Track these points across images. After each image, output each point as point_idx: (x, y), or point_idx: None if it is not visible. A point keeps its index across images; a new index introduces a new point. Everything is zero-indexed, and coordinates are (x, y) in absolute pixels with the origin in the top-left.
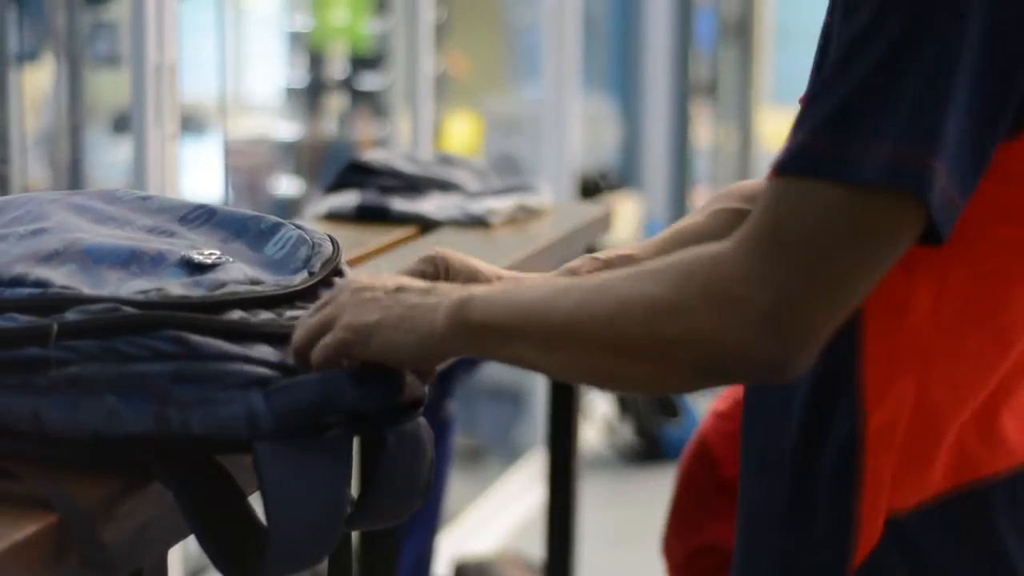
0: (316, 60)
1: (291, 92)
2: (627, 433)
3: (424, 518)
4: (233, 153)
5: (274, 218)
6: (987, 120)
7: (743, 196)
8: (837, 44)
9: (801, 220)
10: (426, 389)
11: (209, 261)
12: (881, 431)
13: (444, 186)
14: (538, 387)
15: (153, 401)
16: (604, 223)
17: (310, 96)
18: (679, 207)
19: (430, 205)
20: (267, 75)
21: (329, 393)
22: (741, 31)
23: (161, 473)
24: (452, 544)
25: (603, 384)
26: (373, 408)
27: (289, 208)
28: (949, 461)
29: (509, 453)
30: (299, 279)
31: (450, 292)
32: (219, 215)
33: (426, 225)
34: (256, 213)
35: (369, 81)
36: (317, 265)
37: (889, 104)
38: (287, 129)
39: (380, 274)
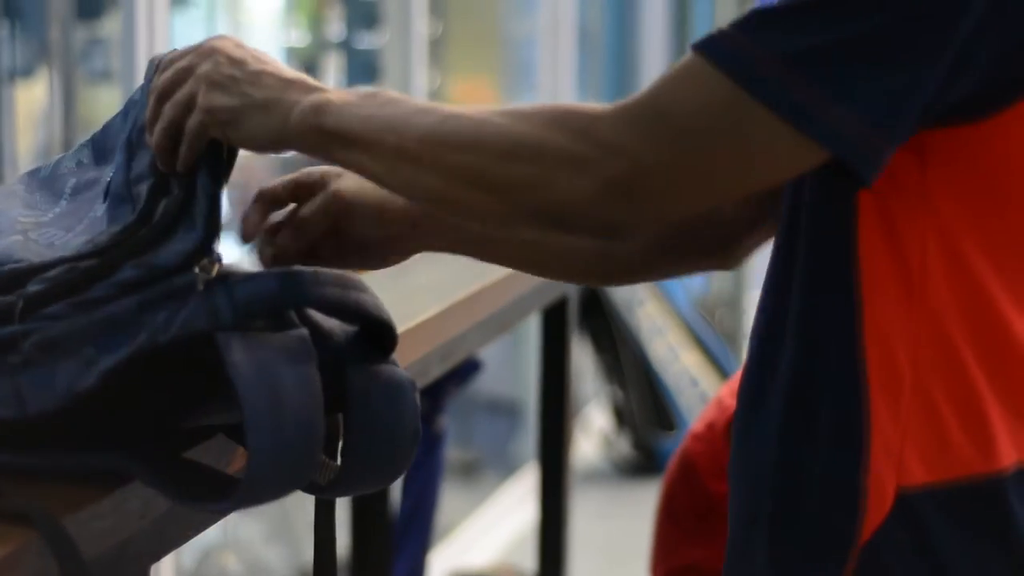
0: (311, 74)
1: None
2: (624, 446)
3: (417, 533)
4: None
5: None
6: (920, 78)
7: None
8: None
9: (689, 100)
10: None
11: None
12: (885, 385)
13: None
14: (534, 401)
15: (125, 335)
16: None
17: None
18: None
19: None
20: None
21: (289, 284)
22: None
23: (139, 471)
24: (447, 558)
25: (435, 206)
26: (335, 304)
27: None
28: (968, 447)
29: (505, 467)
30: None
31: (308, 92)
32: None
33: None
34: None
35: None
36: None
37: (819, 42)
38: None
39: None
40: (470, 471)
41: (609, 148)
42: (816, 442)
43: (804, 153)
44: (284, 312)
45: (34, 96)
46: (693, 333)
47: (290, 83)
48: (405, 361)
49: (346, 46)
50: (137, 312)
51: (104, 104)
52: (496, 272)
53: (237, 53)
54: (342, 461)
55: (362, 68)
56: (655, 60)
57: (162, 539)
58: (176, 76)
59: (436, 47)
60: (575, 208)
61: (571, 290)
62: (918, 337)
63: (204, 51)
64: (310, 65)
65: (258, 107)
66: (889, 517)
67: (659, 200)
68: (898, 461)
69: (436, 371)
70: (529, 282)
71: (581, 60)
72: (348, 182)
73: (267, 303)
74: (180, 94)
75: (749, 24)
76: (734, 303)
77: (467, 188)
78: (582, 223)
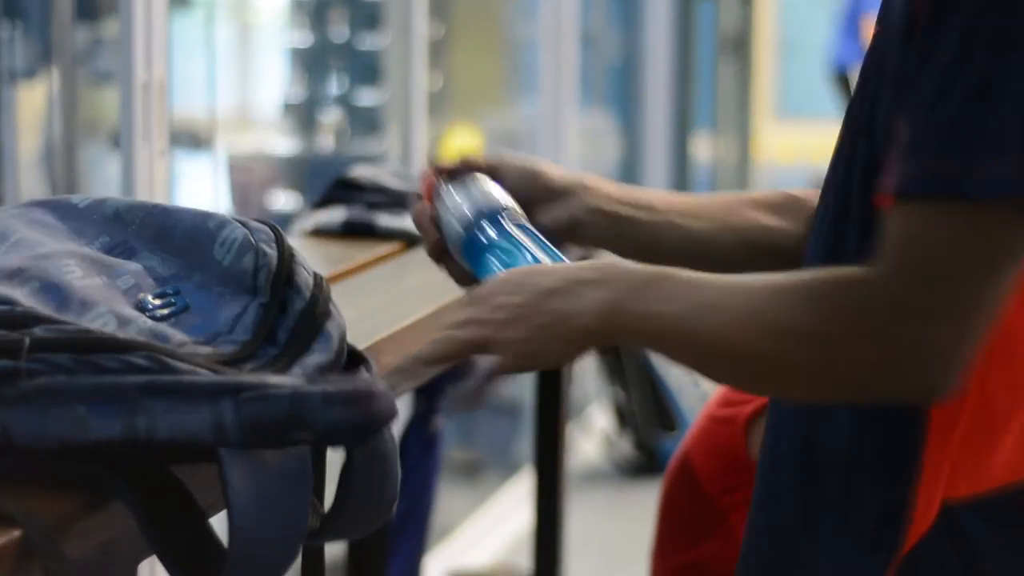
0: (315, 76)
1: (289, 108)
2: (625, 447)
3: (412, 534)
4: (235, 169)
5: (219, 215)
6: None
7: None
8: (918, 64)
9: (938, 244)
10: (408, 403)
11: (160, 314)
12: (943, 419)
13: None
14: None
15: (122, 410)
16: None
17: (307, 111)
18: None
19: None
20: (269, 90)
21: (298, 409)
22: (740, 45)
23: (121, 489)
24: (447, 558)
25: (748, 390)
26: (342, 427)
27: (285, 224)
28: (1008, 457)
29: (507, 467)
30: (241, 343)
31: (591, 289)
32: (170, 217)
33: (412, 241)
34: (203, 210)
35: (366, 96)
36: (265, 286)
37: (997, 119)
38: (285, 144)
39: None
40: (472, 471)
41: (900, 316)
42: (874, 458)
43: None
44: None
45: (36, 97)
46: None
47: (572, 288)
48: (397, 362)
49: (348, 47)
50: (139, 393)
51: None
52: None
53: (511, 297)
54: (326, 518)
55: (364, 69)
56: (659, 64)
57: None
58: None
59: (438, 49)
60: (887, 381)
61: None
62: (989, 358)
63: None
64: (313, 65)
65: (550, 336)
66: (933, 528)
67: (958, 347)
68: (949, 476)
69: (430, 372)
70: None
71: (584, 63)
72: (591, 202)
73: (274, 427)
74: (470, 335)
75: (931, 145)
76: None
77: (781, 383)
78: (897, 393)
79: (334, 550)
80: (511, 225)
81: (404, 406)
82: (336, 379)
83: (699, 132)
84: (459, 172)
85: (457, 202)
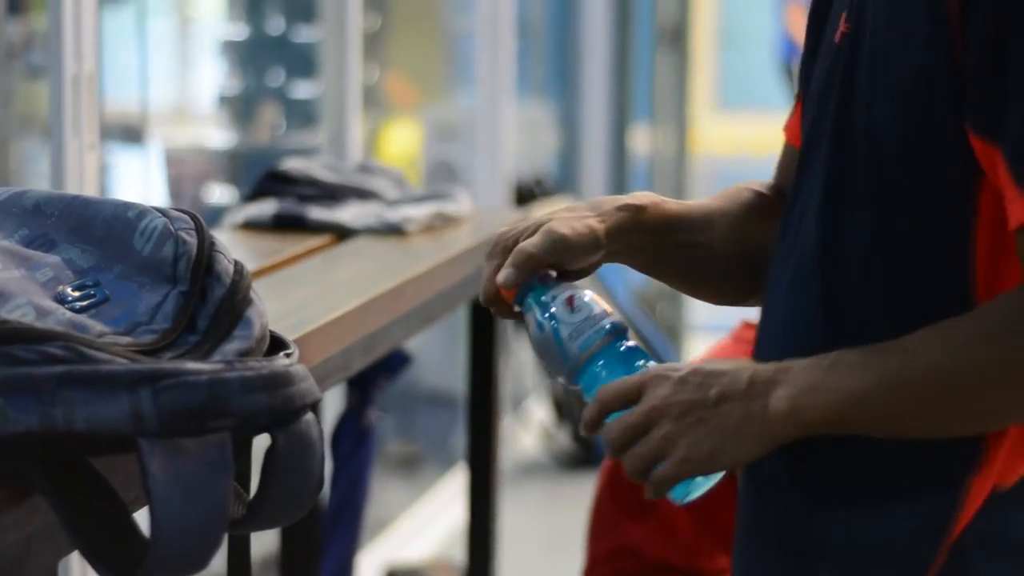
0: (250, 69)
1: (224, 101)
2: (564, 439)
3: (346, 527)
4: (171, 162)
5: (139, 204)
6: None
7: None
8: (994, 76)
9: None
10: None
11: (79, 306)
12: None
13: (363, 194)
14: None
15: (40, 401)
16: None
17: (243, 104)
18: None
19: (347, 214)
20: (207, 84)
21: (216, 397)
22: (677, 36)
23: (40, 483)
24: (386, 551)
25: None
26: (262, 412)
27: (218, 217)
28: None
29: (445, 460)
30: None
31: (767, 387)
32: (90, 208)
33: (342, 234)
34: (123, 201)
35: (302, 89)
36: (185, 275)
37: None
38: (221, 138)
39: (685, 372)
40: (410, 464)
41: None
42: (937, 447)
43: None
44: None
45: None
46: (633, 326)
47: (748, 393)
48: (326, 354)
49: (284, 40)
50: (57, 384)
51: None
52: (419, 265)
53: (687, 397)
54: (252, 505)
55: (300, 62)
56: (596, 55)
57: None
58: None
59: (374, 41)
60: None
61: None
62: None
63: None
64: (248, 58)
65: (733, 433)
66: (978, 515)
67: None
68: (1001, 467)
69: (359, 364)
70: (454, 275)
71: (521, 54)
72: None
73: (193, 414)
74: (655, 439)
75: None
76: (674, 296)
77: (989, 421)
78: None
79: (268, 545)
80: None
81: (337, 399)
82: (255, 364)
83: (637, 123)
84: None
85: (578, 327)
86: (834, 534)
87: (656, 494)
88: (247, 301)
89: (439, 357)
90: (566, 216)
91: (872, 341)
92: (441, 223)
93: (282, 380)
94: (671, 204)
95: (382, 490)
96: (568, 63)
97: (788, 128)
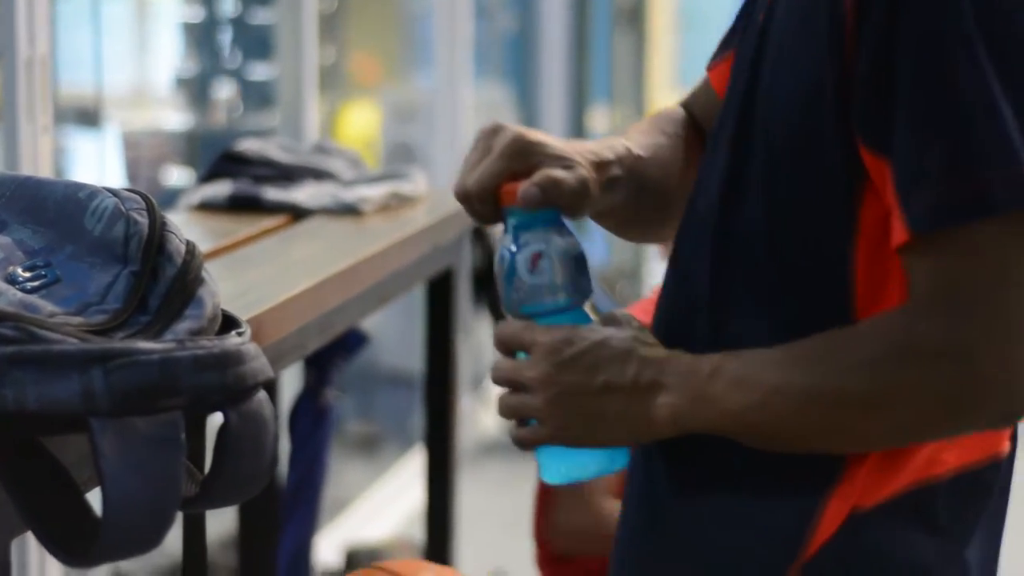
0: (207, 51)
1: (182, 83)
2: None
3: (304, 508)
4: (129, 145)
5: (90, 185)
6: None
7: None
8: (878, 87)
9: (979, 267)
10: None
11: (30, 286)
12: None
13: (318, 175)
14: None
15: None
16: None
17: (200, 86)
18: None
19: (303, 194)
20: (164, 66)
21: (168, 375)
22: (635, 17)
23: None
24: (347, 531)
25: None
26: (213, 390)
27: (175, 199)
28: (917, 463)
29: (405, 440)
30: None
31: (650, 391)
32: (41, 189)
33: (298, 214)
34: (75, 181)
35: (259, 71)
36: (136, 255)
37: (987, 138)
38: (178, 120)
39: (581, 348)
40: (370, 444)
41: (955, 356)
42: (795, 462)
43: None
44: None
45: None
46: (593, 305)
47: (631, 390)
48: (282, 333)
49: (240, 21)
50: (7, 364)
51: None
52: (374, 245)
53: (570, 377)
54: (205, 484)
55: (256, 44)
56: (555, 34)
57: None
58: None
59: (331, 22)
60: (971, 422)
61: (458, 261)
62: None
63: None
64: (205, 40)
65: (608, 425)
66: (837, 533)
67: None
68: (862, 487)
69: (315, 343)
70: (410, 254)
71: (480, 35)
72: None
73: (144, 393)
74: (528, 403)
75: (930, 175)
76: (634, 275)
77: (859, 444)
78: (980, 427)
79: (226, 525)
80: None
81: (295, 379)
82: (207, 343)
83: (596, 104)
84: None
85: (555, 278)
86: (696, 538)
87: (519, 446)
88: (199, 280)
89: (398, 337)
90: (581, 165)
91: (755, 345)
92: (397, 203)
93: (234, 359)
94: (642, 162)
95: (342, 470)
96: (526, 44)
97: (713, 70)
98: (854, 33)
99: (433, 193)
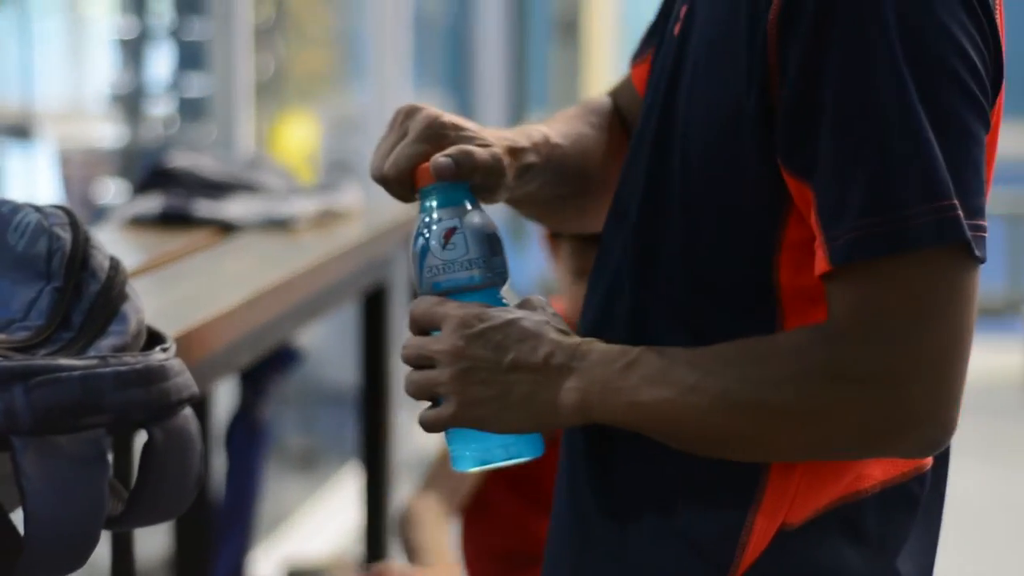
0: (142, 65)
1: (117, 98)
2: None
3: (239, 524)
4: (65, 161)
5: (12, 200)
6: (970, 143)
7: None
8: (798, 113)
9: (893, 301)
10: (234, 392)
11: None
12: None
13: (251, 188)
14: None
15: None
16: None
17: (135, 101)
18: None
19: (235, 208)
20: (99, 81)
21: (90, 393)
22: (572, 28)
23: None
24: (286, 547)
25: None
26: (136, 407)
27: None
28: (845, 479)
29: (346, 455)
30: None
31: (561, 380)
32: None
33: (230, 228)
34: None
35: (195, 85)
36: (59, 270)
37: (910, 170)
38: (114, 134)
39: (492, 324)
40: (310, 460)
41: (878, 384)
42: (720, 479)
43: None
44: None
45: None
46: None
47: (540, 371)
48: (211, 349)
49: (175, 35)
50: None
51: None
52: (306, 259)
53: (478, 352)
54: (130, 502)
55: (191, 58)
56: (492, 45)
57: None
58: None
59: (268, 36)
60: (891, 449)
61: (393, 276)
62: None
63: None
64: (140, 54)
65: (514, 405)
66: (768, 550)
67: (944, 396)
68: (790, 503)
69: (246, 359)
70: (343, 269)
71: (418, 46)
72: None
73: (66, 411)
74: (434, 379)
75: (850, 207)
76: None
77: (770, 454)
78: (904, 454)
79: (161, 543)
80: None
81: (230, 395)
82: (130, 359)
83: (534, 112)
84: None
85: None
86: (623, 553)
87: (424, 429)
88: (123, 296)
89: (338, 352)
90: (496, 147)
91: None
92: (330, 217)
93: (157, 375)
94: (561, 150)
95: (281, 486)
96: (464, 55)
97: (635, 68)
98: (776, 56)
99: (368, 207)
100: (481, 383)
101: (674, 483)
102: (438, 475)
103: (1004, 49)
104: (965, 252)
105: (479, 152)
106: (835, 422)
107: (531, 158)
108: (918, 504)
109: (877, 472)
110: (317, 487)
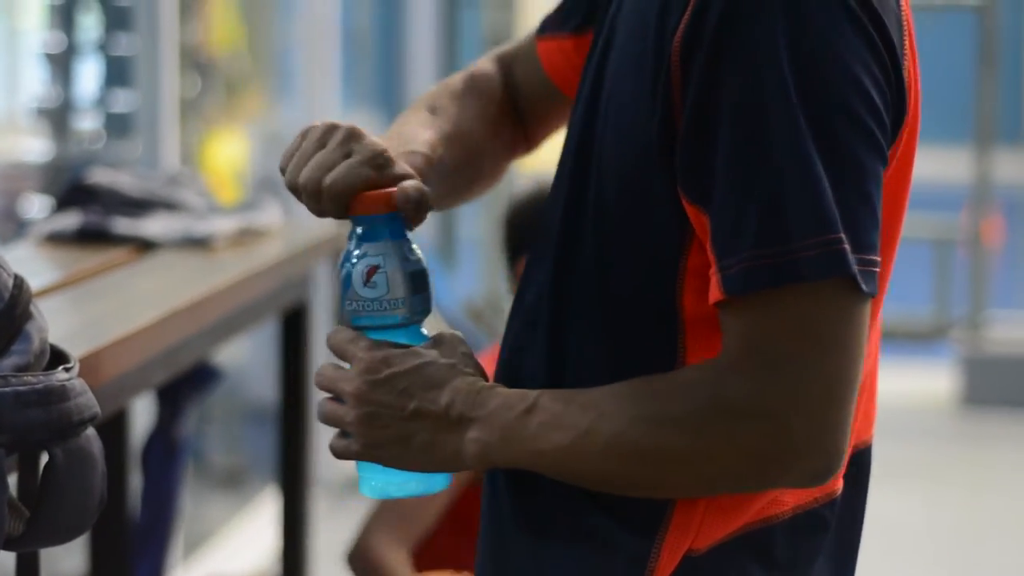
0: (70, 80)
1: (44, 112)
2: None
3: (156, 543)
4: None
5: None
6: (863, 178)
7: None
8: (698, 142)
9: (780, 332)
10: (151, 410)
11: None
12: None
13: (170, 206)
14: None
15: None
16: (333, 243)
17: (62, 116)
18: (445, 225)
19: (154, 226)
20: (25, 95)
21: None
22: (505, 42)
23: None
24: (209, 566)
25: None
26: (36, 428)
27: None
28: (756, 505)
29: (269, 473)
30: None
31: (460, 424)
32: None
33: (148, 246)
34: None
35: (122, 100)
36: None
37: (798, 204)
38: (39, 149)
39: (398, 370)
40: (234, 478)
41: (769, 421)
42: (629, 506)
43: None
44: None
45: None
46: (446, 320)
47: (442, 420)
48: (124, 367)
49: (103, 50)
50: None
51: None
52: (223, 278)
53: (379, 396)
54: (31, 522)
55: (119, 73)
56: (423, 63)
57: None
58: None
59: (197, 54)
60: (779, 481)
61: (312, 295)
62: None
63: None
64: (68, 69)
65: (416, 451)
66: (675, 573)
67: (831, 428)
68: (696, 530)
69: (159, 377)
70: (261, 287)
71: (347, 63)
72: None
73: None
74: (341, 415)
75: (742, 239)
76: (502, 307)
77: (668, 492)
78: (792, 484)
79: (76, 562)
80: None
81: (147, 413)
82: (31, 379)
83: None
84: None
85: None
86: (536, 574)
87: (334, 455)
88: (26, 315)
89: (263, 370)
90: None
91: (589, 370)
92: (250, 236)
93: (58, 395)
94: (441, 162)
95: (205, 504)
96: (394, 72)
97: (545, 42)
98: (680, 83)
99: (289, 225)
100: (383, 427)
101: (588, 507)
102: (385, 509)
103: (917, 86)
104: (851, 285)
105: (426, 191)
106: (725, 458)
107: (431, 176)
108: (828, 527)
109: (789, 498)
110: (242, 506)
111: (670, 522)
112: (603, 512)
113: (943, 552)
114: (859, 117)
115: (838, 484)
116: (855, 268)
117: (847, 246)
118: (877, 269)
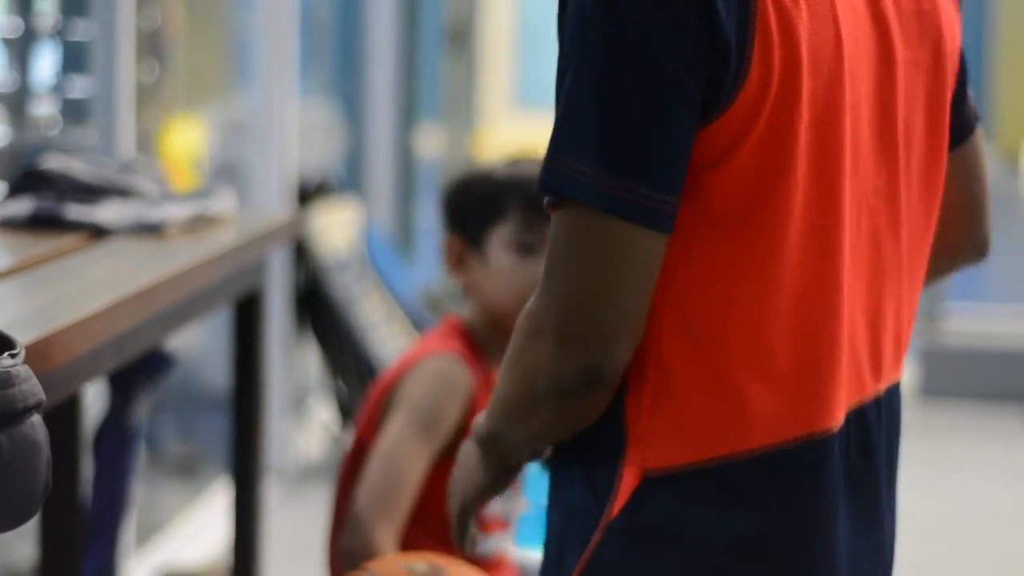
0: (25, 64)
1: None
2: (349, 441)
3: (107, 531)
4: None
5: None
6: (660, 122)
7: None
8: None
9: (555, 240)
10: (103, 396)
11: None
12: (635, 401)
13: (124, 193)
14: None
15: None
16: (289, 231)
17: (18, 101)
18: (404, 214)
19: (107, 213)
20: None
21: None
22: (464, 37)
23: None
24: (163, 554)
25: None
26: None
27: None
28: (697, 432)
29: (225, 462)
30: None
31: (472, 474)
32: None
33: (100, 233)
34: None
35: (79, 86)
36: None
37: (580, 129)
38: None
39: None
40: (189, 466)
41: (540, 315)
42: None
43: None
44: None
45: None
46: (417, 327)
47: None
48: (74, 354)
49: (60, 35)
50: None
51: None
52: (175, 264)
53: None
54: None
55: (76, 58)
56: (382, 52)
57: None
58: None
59: (155, 38)
60: (555, 374)
61: (266, 282)
62: (661, 327)
63: None
64: (23, 54)
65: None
66: (633, 497)
67: (593, 330)
68: (644, 446)
69: (110, 364)
70: (214, 274)
71: (306, 52)
72: None
73: None
74: None
75: (550, 144)
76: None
77: (535, 423)
78: (570, 382)
79: (27, 550)
80: None
81: (100, 400)
82: None
83: (424, 123)
84: None
85: None
86: (551, 503)
87: None
88: None
89: (219, 358)
90: None
91: None
92: (203, 223)
93: (2, 382)
94: None
95: (160, 492)
96: (353, 62)
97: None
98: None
99: (244, 212)
100: None
101: (561, 451)
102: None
103: (799, 51)
104: (593, 211)
105: None
106: (528, 378)
107: None
108: (803, 469)
109: (761, 437)
110: (196, 494)
111: (624, 444)
112: (587, 445)
113: (899, 543)
114: (670, 69)
115: (817, 426)
116: (598, 196)
117: (585, 173)
118: (653, 203)
